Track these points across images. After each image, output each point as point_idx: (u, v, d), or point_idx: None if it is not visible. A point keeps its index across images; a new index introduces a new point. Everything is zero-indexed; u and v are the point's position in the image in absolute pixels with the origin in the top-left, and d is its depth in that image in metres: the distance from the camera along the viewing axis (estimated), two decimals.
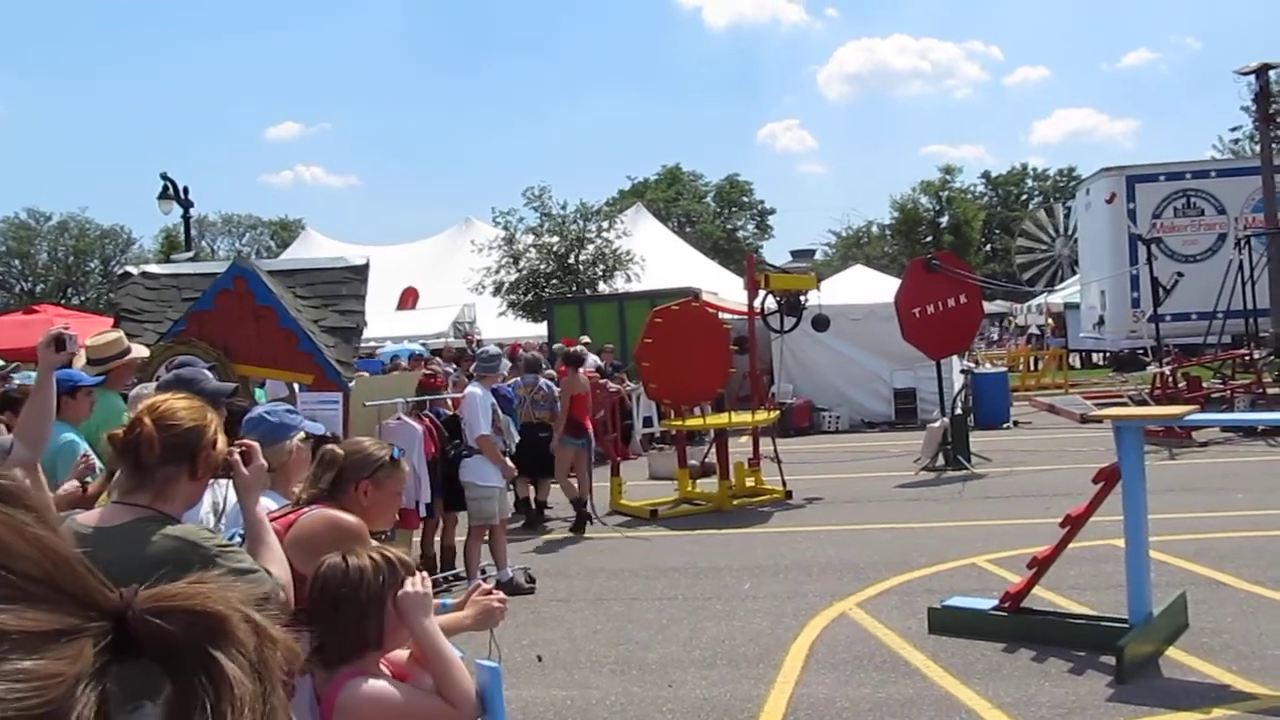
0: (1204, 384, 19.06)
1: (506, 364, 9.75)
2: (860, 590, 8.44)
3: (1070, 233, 41.33)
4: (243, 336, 7.94)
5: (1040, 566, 7.03)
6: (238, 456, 2.95)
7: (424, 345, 19.64)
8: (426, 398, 10.02)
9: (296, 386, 8.50)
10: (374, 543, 3.43)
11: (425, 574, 2.95)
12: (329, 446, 3.64)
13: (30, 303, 39.80)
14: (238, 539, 3.04)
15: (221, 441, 2.85)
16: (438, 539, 9.88)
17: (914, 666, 6.57)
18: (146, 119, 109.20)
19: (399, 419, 8.95)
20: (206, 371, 4.19)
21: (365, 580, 2.76)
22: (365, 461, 3.59)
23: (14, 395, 6.10)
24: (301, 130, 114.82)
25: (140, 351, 6.97)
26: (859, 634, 7.32)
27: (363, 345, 16.08)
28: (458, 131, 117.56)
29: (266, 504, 3.61)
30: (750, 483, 13.43)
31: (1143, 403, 17.87)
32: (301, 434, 3.94)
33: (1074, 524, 6.89)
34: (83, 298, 66.99)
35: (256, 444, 3.04)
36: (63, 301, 58.29)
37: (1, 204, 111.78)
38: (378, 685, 2.75)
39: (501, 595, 3.47)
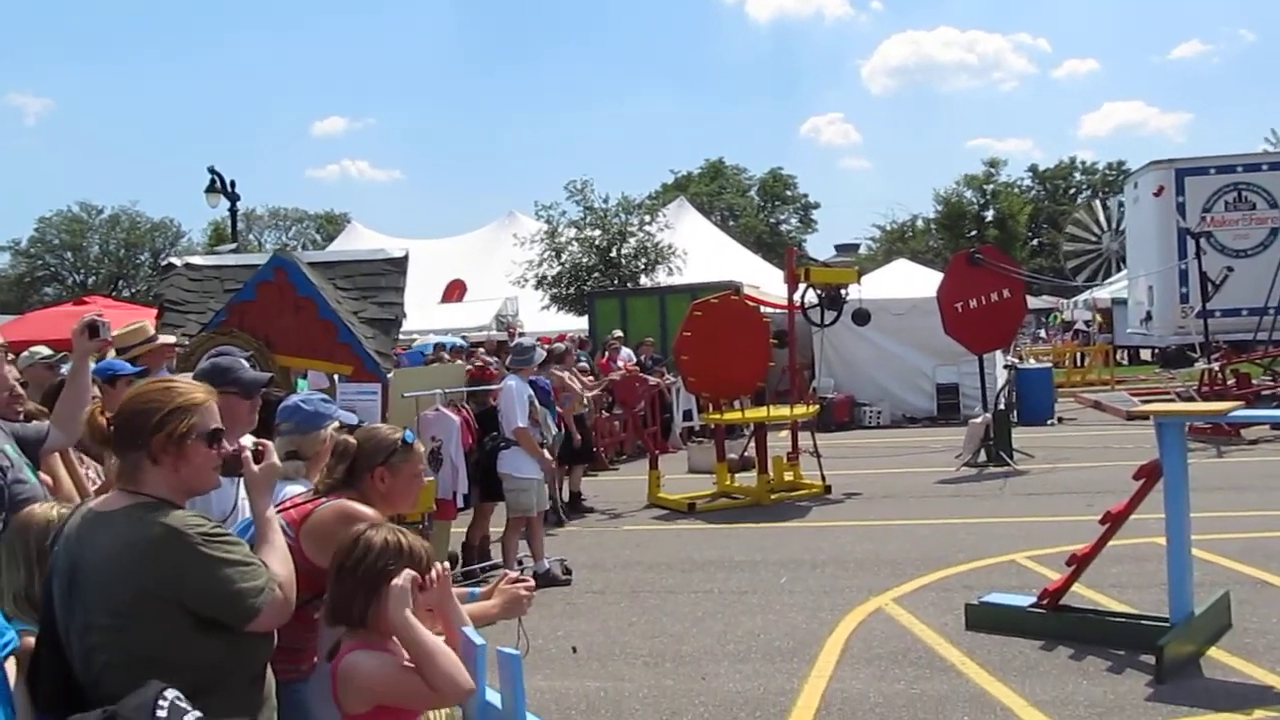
0: (1253, 380, 18.74)
1: (541, 354, 9.76)
2: (897, 586, 8.39)
3: (1118, 227, 40.74)
4: (283, 327, 7.99)
5: (1080, 564, 6.94)
6: (248, 453, 2.88)
7: (464, 338, 19.68)
8: (472, 389, 10.08)
9: (336, 377, 8.56)
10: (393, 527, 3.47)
11: (445, 567, 2.97)
12: (342, 437, 3.65)
13: (82, 294, 40.40)
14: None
15: (197, 423, 2.71)
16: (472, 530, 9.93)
17: (949, 663, 6.51)
18: (195, 114, 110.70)
19: (437, 410, 8.99)
20: (243, 360, 4.21)
21: (366, 558, 2.85)
22: (377, 448, 3.61)
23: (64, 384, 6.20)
24: (347, 125, 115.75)
25: (167, 338, 7.07)
26: (895, 629, 7.26)
27: (401, 337, 16.18)
28: (501, 126, 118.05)
29: (294, 490, 3.64)
30: (789, 477, 13.38)
31: (1191, 399, 17.60)
32: (336, 424, 3.96)
33: (1114, 521, 6.80)
34: (133, 290, 67.92)
35: (270, 444, 2.98)
36: (113, 293, 59.17)
37: (54, 198, 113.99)
38: (372, 659, 2.81)
39: (530, 584, 3.48)
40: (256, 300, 8.08)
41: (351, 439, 3.64)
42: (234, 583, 2.56)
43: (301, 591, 3.30)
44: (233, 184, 22.47)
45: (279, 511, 3.50)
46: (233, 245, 21.62)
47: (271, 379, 4.23)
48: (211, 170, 22.22)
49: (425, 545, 3.01)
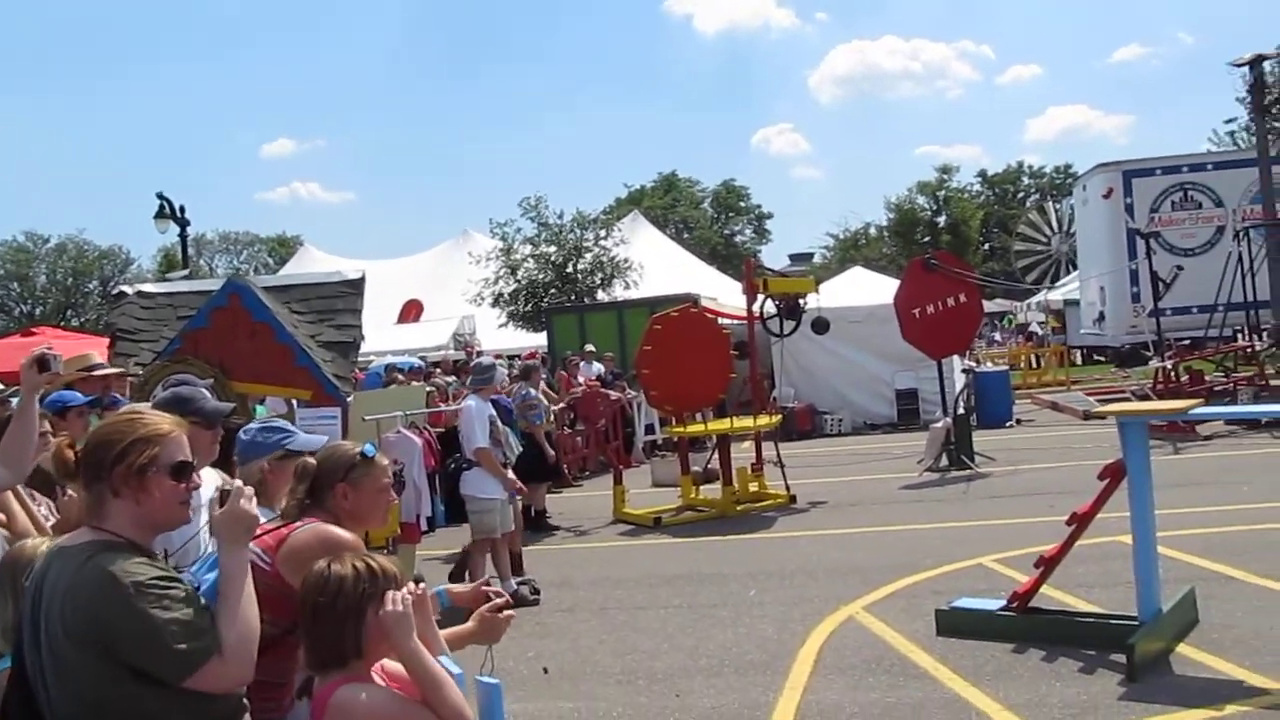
0: (1206, 377, 19.02)
1: (503, 373, 9.69)
2: (867, 593, 8.38)
3: (1068, 229, 41.26)
4: (239, 353, 7.91)
5: (1048, 565, 6.97)
6: (215, 494, 2.72)
7: (422, 358, 19.56)
8: (429, 410, 10.00)
9: (295, 402, 8.46)
10: (363, 551, 3.39)
11: (419, 584, 2.90)
12: (304, 459, 3.58)
13: (30, 325, 39.74)
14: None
15: (160, 455, 2.60)
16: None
17: (923, 669, 6.50)
18: (142, 139, 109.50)
19: (398, 432, 8.89)
20: (204, 390, 4.12)
21: (343, 590, 2.74)
22: (336, 465, 3.54)
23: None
24: (296, 147, 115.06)
25: (109, 370, 6.97)
26: (866, 638, 7.25)
27: (359, 359, 16.05)
28: (452, 144, 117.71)
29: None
30: (754, 488, 13.37)
31: (1145, 398, 17.82)
32: (278, 453, 3.87)
33: (1080, 522, 6.83)
34: (82, 319, 66.94)
35: (247, 488, 2.74)
36: (62, 323, 58.27)
37: None
38: (371, 694, 2.71)
39: (510, 611, 3.43)
40: (211, 326, 7.99)
41: (311, 459, 3.57)
42: (164, 639, 2.41)
43: (283, 620, 3.22)
44: (182, 209, 22.23)
45: (253, 540, 3.42)
46: (185, 271, 21.37)
47: (234, 409, 4.16)
48: (160, 196, 21.99)
49: (394, 563, 2.95)
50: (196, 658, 2.43)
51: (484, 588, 3.56)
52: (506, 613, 3.41)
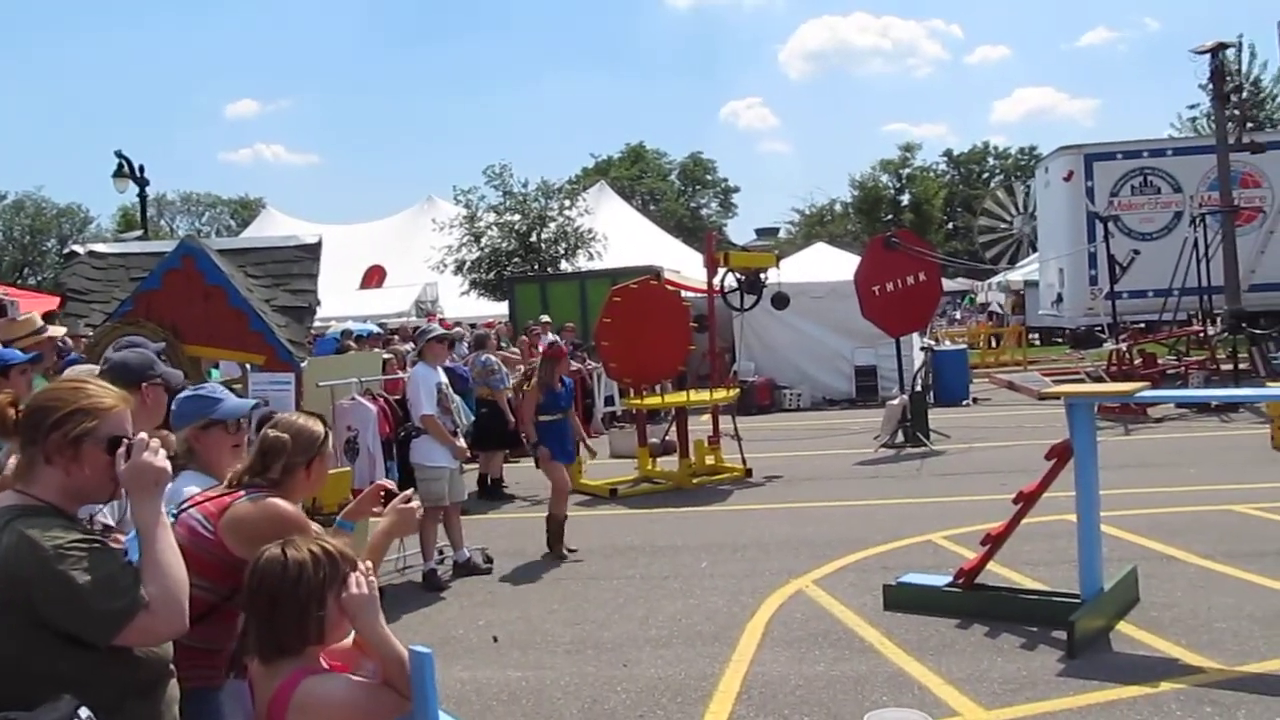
0: (1159, 360, 19.26)
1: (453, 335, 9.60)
2: (817, 567, 8.45)
3: (1030, 211, 41.53)
4: (192, 317, 7.81)
5: (994, 543, 7.06)
6: (120, 451, 2.58)
7: (382, 325, 19.44)
8: (386, 377, 9.93)
9: (248, 367, 8.39)
10: (317, 528, 3.37)
11: (369, 565, 2.87)
12: (273, 433, 3.51)
13: None
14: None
15: (97, 427, 2.56)
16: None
17: (868, 643, 6.57)
18: (103, 96, 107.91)
19: (353, 399, 8.83)
20: (153, 355, 4.05)
21: (304, 576, 2.68)
22: (309, 444, 3.54)
23: None
24: (260, 108, 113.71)
25: (55, 330, 6.89)
26: (815, 611, 7.32)
27: (319, 324, 15.91)
28: (419, 109, 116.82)
29: (187, 491, 3.51)
30: (710, 461, 13.42)
31: (1100, 379, 18.02)
32: (201, 421, 3.82)
33: (1027, 500, 6.92)
34: (40, 278, 65.96)
35: (145, 438, 2.62)
36: (18, 281, 57.41)
37: None
38: (339, 686, 2.68)
39: (415, 501, 3.54)
40: (163, 289, 7.88)
41: (284, 435, 3.51)
42: (85, 601, 2.38)
43: (222, 587, 3.21)
44: (141, 169, 21.87)
45: (192, 506, 3.39)
46: (138, 233, 21.06)
47: (185, 376, 4.11)
48: (119, 154, 21.61)
49: (345, 543, 2.93)
50: (122, 615, 2.41)
51: (378, 491, 3.62)
52: (414, 502, 3.52)
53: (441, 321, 19.68)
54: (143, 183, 22.15)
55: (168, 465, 2.60)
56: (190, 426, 3.73)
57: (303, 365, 8.29)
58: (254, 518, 3.30)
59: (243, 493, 3.41)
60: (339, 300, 27.14)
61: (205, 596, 3.10)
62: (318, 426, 3.60)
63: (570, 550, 9.42)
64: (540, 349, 16.71)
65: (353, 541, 3.26)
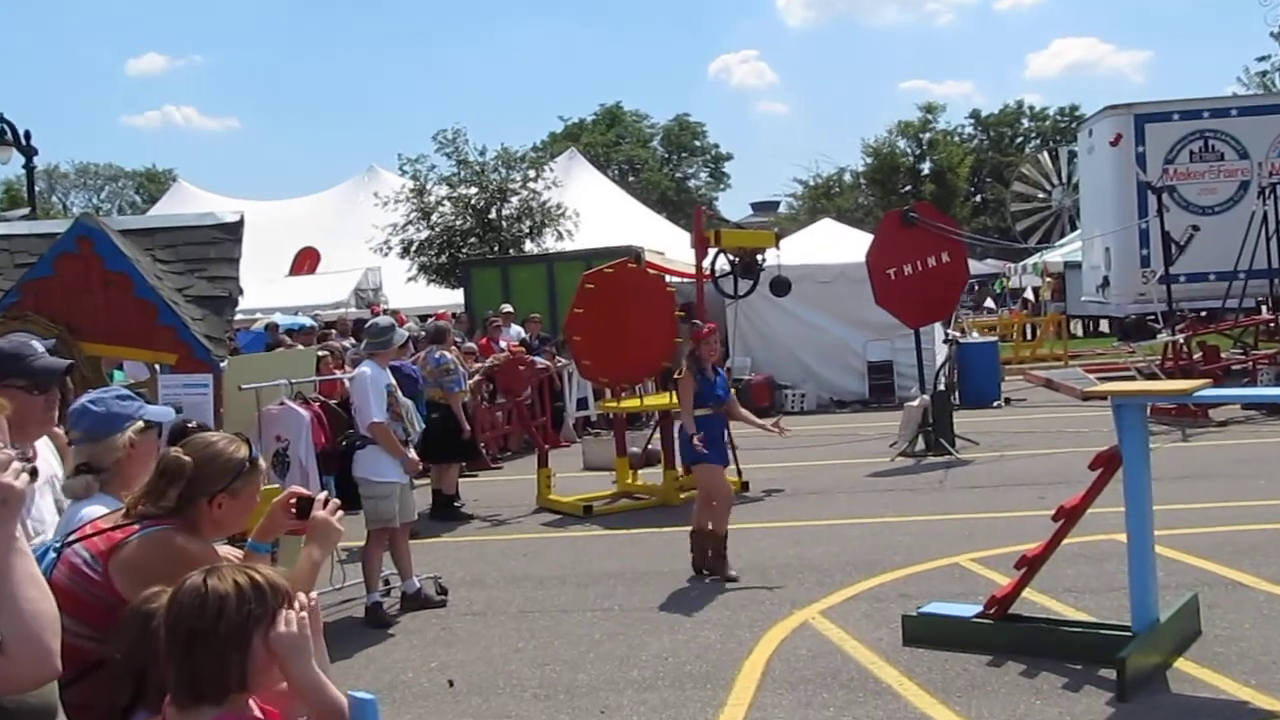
0: (1222, 354, 19.37)
1: (403, 335, 9.59)
2: (825, 596, 8.48)
3: (1072, 181, 41.73)
4: (90, 309, 7.76)
5: (1031, 566, 7.09)
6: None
7: (315, 317, 19.42)
8: (321, 378, 9.91)
9: (158, 367, 8.35)
10: (236, 554, 3.35)
11: (312, 597, 2.85)
12: (174, 454, 3.46)
13: None
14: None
15: None
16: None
17: (885, 684, 6.60)
18: None
19: (282, 404, 8.81)
20: (36, 344, 4.00)
21: (225, 612, 2.65)
22: (222, 471, 3.46)
23: None
24: (169, 64, 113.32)
25: None
26: (823, 647, 7.34)
27: (240, 316, 15.87)
28: (358, 64, 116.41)
29: (95, 510, 3.49)
30: None
31: (1152, 376, 18.12)
32: (139, 424, 3.80)
33: (1068, 517, 6.94)
34: None
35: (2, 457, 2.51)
36: None
37: None
38: None
39: (335, 503, 3.54)
40: (56, 276, 7.83)
41: (185, 457, 3.46)
42: None
43: (108, 632, 3.17)
44: (27, 135, 21.73)
45: (79, 540, 3.35)
46: (24, 210, 20.93)
47: (71, 366, 4.04)
48: (0, 119, 21.46)
49: (280, 575, 2.89)
50: None
51: (290, 497, 3.56)
52: (331, 505, 3.50)
53: (397, 315, 19.67)
54: (29, 152, 22.00)
55: (19, 483, 2.50)
56: (101, 442, 3.70)
57: (222, 365, 8.26)
58: (147, 558, 3.25)
59: (138, 526, 3.37)
60: (265, 289, 27.06)
61: (90, 647, 3.08)
62: (238, 453, 3.52)
63: (732, 577, 9.24)
64: (504, 345, 16.80)
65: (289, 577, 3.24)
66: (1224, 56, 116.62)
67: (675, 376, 10.06)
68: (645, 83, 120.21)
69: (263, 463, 3.62)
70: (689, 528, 9.61)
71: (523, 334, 18.15)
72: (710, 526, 9.54)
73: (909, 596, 8.18)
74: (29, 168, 22.84)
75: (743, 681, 6.79)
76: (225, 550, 3.42)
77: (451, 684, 7.07)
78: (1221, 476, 12.21)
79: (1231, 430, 15.67)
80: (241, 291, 9.10)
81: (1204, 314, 21.20)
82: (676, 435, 10.32)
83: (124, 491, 3.63)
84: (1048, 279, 37.32)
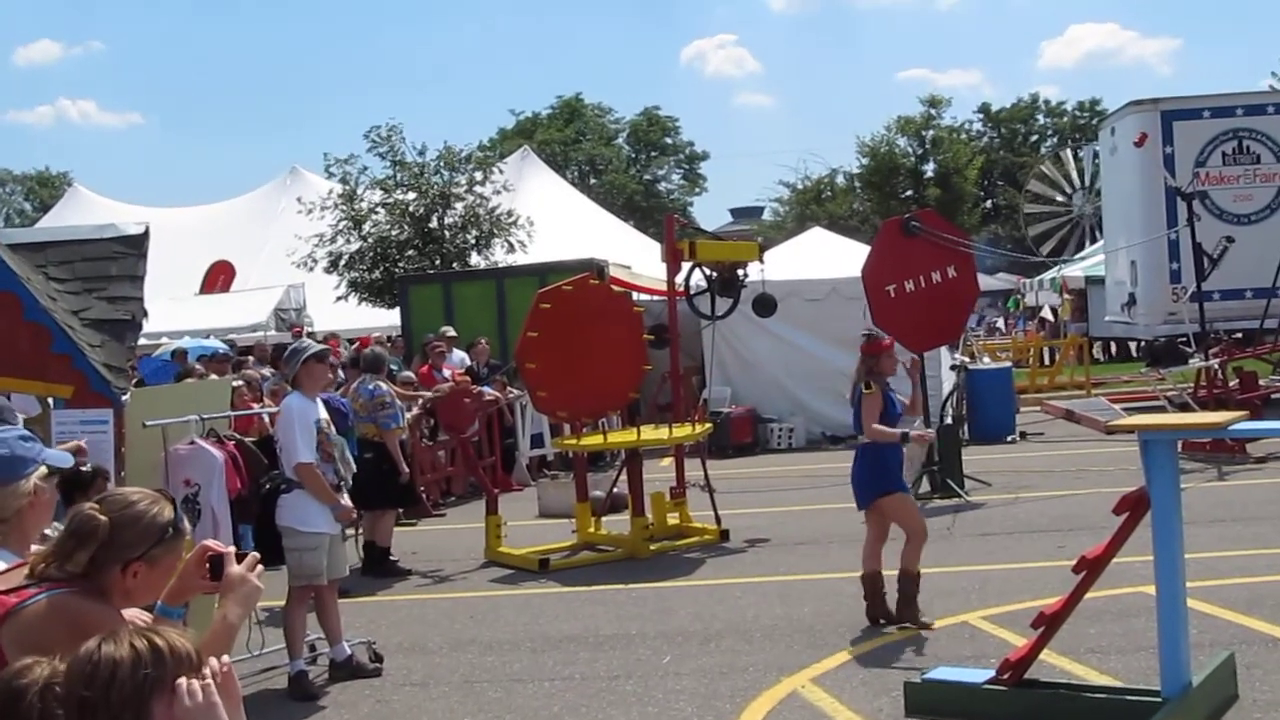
0: (1260, 381, 19.50)
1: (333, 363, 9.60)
2: (816, 661, 8.50)
3: (1093, 185, 42.08)
4: None
5: (1049, 625, 7.13)
6: None
7: (230, 342, 19.38)
8: (237, 413, 9.89)
9: (51, 401, 8.34)
10: (145, 618, 3.34)
11: (225, 662, 2.86)
12: (89, 512, 3.46)
13: None
14: None
15: None
16: None
17: None
18: None
19: (192, 443, 8.78)
20: None
21: (118, 679, 2.65)
22: (141, 536, 3.44)
23: None
24: (64, 52, 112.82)
25: None
26: (814, 719, 7.36)
27: (144, 342, 15.81)
28: (278, 53, 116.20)
29: None
30: (673, 520, 13.45)
31: (1184, 406, 18.24)
32: (41, 469, 3.80)
33: (1091, 568, 6.99)
34: None
35: None
36: None
37: None
38: None
39: (254, 556, 3.54)
40: None
41: (101, 517, 3.45)
42: None
43: None
44: None
45: None
46: None
47: None
48: None
49: (187, 638, 2.89)
50: None
51: (204, 552, 3.53)
52: (249, 558, 3.51)
53: (330, 340, 19.60)
54: None
55: None
56: (36, 478, 3.70)
57: (124, 398, 8.25)
58: (46, 626, 3.24)
59: (38, 590, 3.36)
60: (172, 309, 26.95)
61: None
62: (160, 515, 3.50)
63: (926, 624, 9.20)
64: (446, 374, 16.77)
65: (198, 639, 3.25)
66: (1260, 45, 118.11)
67: (864, 391, 10.37)
68: (609, 72, 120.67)
69: (187, 526, 3.60)
70: (663, 584, 9.59)
71: (468, 361, 18.09)
72: (903, 566, 9.49)
73: (911, 660, 8.21)
74: None
75: None
76: (133, 614, 3.41)
77: None
78: (1261, 519, 12.29)
79: (1272, 468, 15.78)
80: (146, 314, 9.09)
81: (1240, 336, 21.34)
82: (851, 468, 10.20)
83: (22, 546, 3.63)
84: (1067, 296, 37.57)
